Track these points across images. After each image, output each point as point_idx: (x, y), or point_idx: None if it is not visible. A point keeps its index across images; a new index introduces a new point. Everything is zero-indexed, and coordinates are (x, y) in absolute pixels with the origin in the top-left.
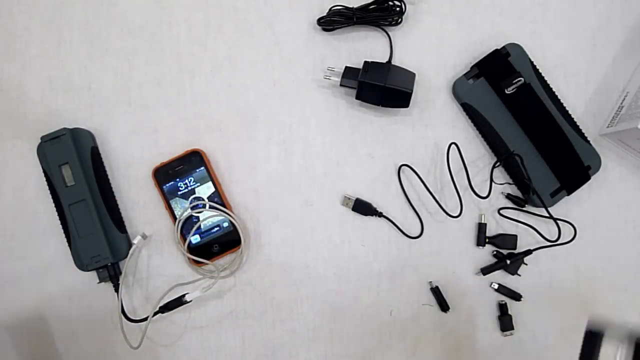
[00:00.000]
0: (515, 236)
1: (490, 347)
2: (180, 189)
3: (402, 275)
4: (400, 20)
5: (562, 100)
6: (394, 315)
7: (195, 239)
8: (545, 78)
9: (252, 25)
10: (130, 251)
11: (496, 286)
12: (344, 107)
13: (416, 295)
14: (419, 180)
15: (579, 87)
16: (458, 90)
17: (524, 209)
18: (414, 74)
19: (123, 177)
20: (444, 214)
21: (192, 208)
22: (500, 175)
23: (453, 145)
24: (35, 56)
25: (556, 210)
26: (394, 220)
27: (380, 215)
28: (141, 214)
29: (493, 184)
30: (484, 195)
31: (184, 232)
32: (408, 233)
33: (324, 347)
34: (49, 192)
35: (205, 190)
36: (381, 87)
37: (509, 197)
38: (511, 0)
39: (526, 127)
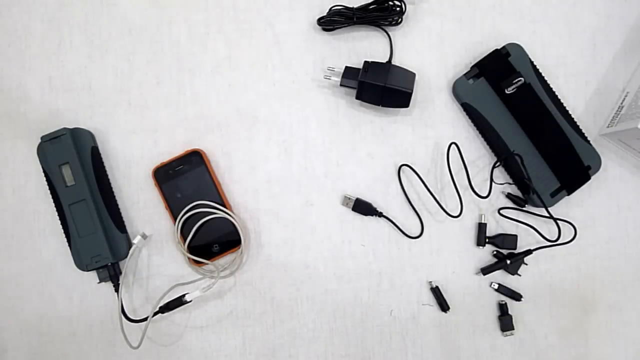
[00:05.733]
0: (516, 236)
1: (490, 347)
2: (180, 189)
3: (402, 275)
4: (400, 20)
5: (562, 100)
6: (394, 315)
7: (195, 239)
8: (545, 78)
9: (252, 25)
10: (130, 251)
11: (496, 286)
12: (344, 107)
13: (416, 295)
14: (419, 180)
15: (579, 87)
16: (458, 90)
17: (524, 209)
18: (414, 74)
19: (123, 177)
20: (444, 214)
21: (192, 208)
22: (500, 175)
23: (453, 145)
24: (35, 56)
25: (556, 210)
26: (394, 220)
27: (380, 215)
28: (141, 214)
29: (493, 183)
30: (484, 195)
31: (184, 232)
32: (408, 233)
33: (324, 347)
34: (49, 192)
35: (205, 190)
36: (381, 87)
37: (509, 196)
38: (511, 0)
39: (526, 127)
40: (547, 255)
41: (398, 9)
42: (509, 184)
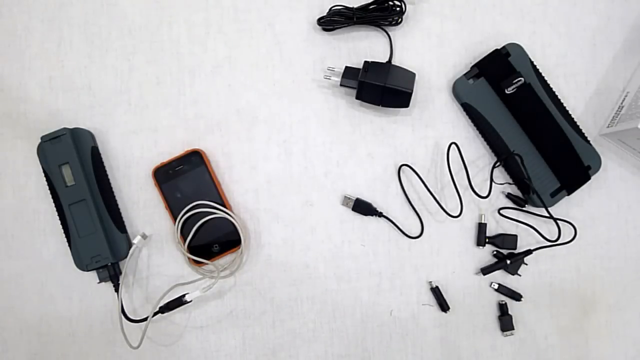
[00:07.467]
0: (516, 236)
1: (490, 347)
2: (180, 189)
3: (402, 275)
4: (400, 20)
5: (562, 100)
6: (394, 315)
7: (195, 239)
8: (545, 78)
9: (252, 25)
10: (130, 251)
11: (496, 286)
12: (344, 107)
13: (416, 295)
14: (419, 180)
15: (579, 87)
16: (458, 90)
17: (524, 209)
18: (414, 74)
19: (123, 177)
20: (444, 214)
21: (192, 208)
22: (500, 175)
23: (453, 145)
24: (35, 56)
25: (556, 210)
26: (394, 220)
27: (380, 215)
28: (141, 214)
29: (493, 183)
30: (484, 195)
31: (184, 232)
32: (408, 233)
33: (324, 347)
34: (49, 192)
35: (205, 190)
36: (381, 87)
37: (509, 196)
38: (511, 0)
39: (526, 127)
40: (547, 255)
41: (398, 9)
42: (509, 184)
